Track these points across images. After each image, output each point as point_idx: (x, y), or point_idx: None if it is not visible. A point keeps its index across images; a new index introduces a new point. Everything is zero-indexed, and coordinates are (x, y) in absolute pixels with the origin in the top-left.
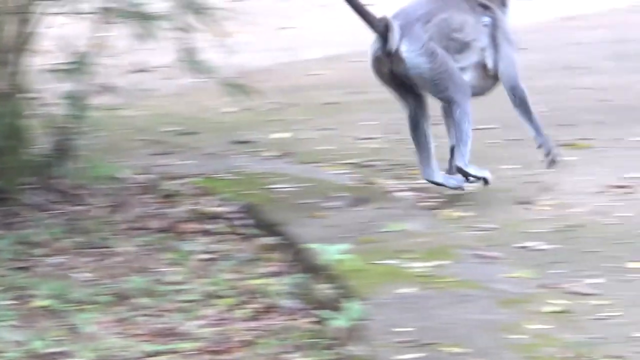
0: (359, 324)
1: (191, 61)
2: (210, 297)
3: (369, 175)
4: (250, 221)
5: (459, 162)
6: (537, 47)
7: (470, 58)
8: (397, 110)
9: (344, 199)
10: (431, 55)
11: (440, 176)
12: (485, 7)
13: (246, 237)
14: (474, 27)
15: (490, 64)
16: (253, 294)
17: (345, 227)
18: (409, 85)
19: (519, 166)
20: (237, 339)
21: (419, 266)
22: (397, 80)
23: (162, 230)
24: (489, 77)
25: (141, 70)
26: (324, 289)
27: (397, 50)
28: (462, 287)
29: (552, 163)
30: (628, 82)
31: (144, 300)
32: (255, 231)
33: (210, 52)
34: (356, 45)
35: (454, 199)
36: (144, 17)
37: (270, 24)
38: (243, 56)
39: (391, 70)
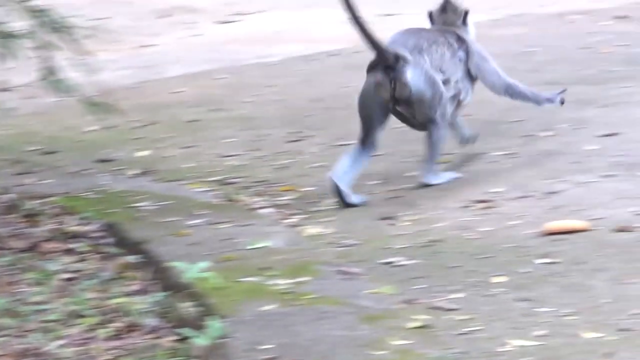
0: (221, 342)
1: (53, 80)
2: (73, 316)
3: (231, 193)
4: (113, 240)
5: (427, 179)
6: None
7: (449, 92)
8: (258, 127)
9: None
10: (432, 82)
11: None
12: (459, 39)
13: (108, 256)
14: (451, 61)
15: (463, 95)
16: (116, 313)
17: (207, 244)
18: (388, 115)
19: (380, 181)
20: (100, 358)
21: (281, 283)
22: (387, 109)
23: (24, 250)
24: (460, 107)
25: (2, 90)
26: (186, 307)
27: (403, 78)
28: (325, 303)
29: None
30: (490, 97)
31: (6, 321)
32: (117, 250)
33: (72, 71)
34: (217, 62)
35: (317, 215)
36: (5, 36)
37: (132, 42)
38: (105, 74)
39: (392, 95)
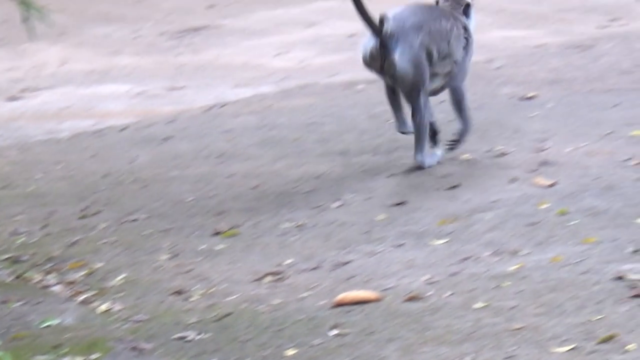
0: None
1: None
2: None
3: (21, 270)
4: None
5: (420, 161)
6: (187, 136)
7: (446, 67)
8: (48, 204)
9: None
10: (417, 65)
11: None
12: (465, 28)
13: None
14: (457, 38)
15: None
16: None
17: None
18: None
19: (169, 256)
20: None
21: None
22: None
23: None
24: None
25: None
26: None
27: (391, 55)
28: None
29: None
30: (278, 168)
31: None
32: None
33: None
34: (4, 140)
35: (108, 291)
36: None
37: None
38: None
39: (382, 65)
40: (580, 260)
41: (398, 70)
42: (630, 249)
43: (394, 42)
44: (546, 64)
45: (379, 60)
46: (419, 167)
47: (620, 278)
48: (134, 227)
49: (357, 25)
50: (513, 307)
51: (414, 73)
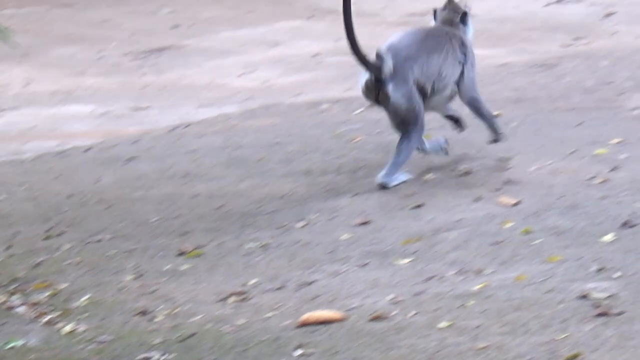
0: None
1: None
2: None
3: None
4: None
5: (385, 179)
6: (152, 156)
7: (444, 92)
8: (12, 225)
9: None
10: (410, 99)
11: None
12: (462, 44)
13: None
14: (452, 65)
15: (458, 90)
16: None
17: None
18: None
19: (133, 276)
20: None
21: None
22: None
23: None
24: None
25: None
26: None
27: (385, 88)
28: None
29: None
30: (242, 189)
31: None
32: None
33: None
34: None
35: (72, 312)
36: None
37: None
38: None
39: (376, 98)
40: (545, 279)
41: (392, 103)
42: (594, 267)
43: (389, 76)
44: (510, 83)
45: (374, 91)
46: (382, 187)
47: (584, 297)
48: (99, 248)
49: (321, 45)
50: (477, 326)
51: (407, 106)
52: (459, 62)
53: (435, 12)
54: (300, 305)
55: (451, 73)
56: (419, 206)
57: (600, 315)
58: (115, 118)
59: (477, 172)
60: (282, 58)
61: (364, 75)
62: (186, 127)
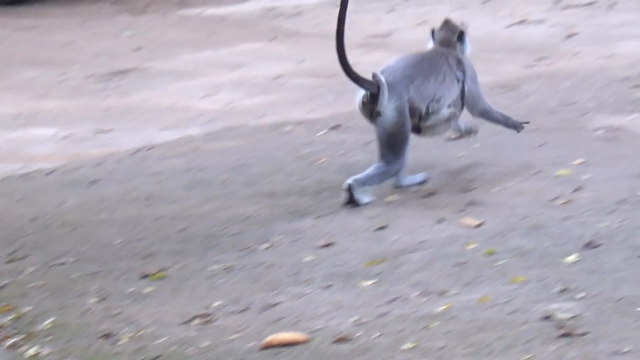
0: None
1: None
2: None
3: None
4: None
5: (354, 183)
6: (115, 179)
7: (440, 114)
8: None
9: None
10: (401, 114)
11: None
12: (459, 62)
13: None
14: (449, 86)
15: (457, 112)
16: None
17: None
18: None
19: (97, 299)
20: None
21: None
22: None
23: None
24: (452, 118)
25: None
26: None
27: (378, 101)
28: None
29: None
30: (205, 211)
31: None
32: None
33: None
34: None
35: (36, 335)
36: None
37: None
38: None
39: (371, 114)
40: (508, 300)
41: (383, 116)
42: (558, 288)
43: (384, 90)
44: None
45: (369, 107)
46: (349, 189)
47: (548, 317)
48: (62, 271)
49: (284, 66)
50: (442, 348)
51: (397, 120)
52: (458, 80)
53: (433, 32)
54: (264, 327)
55: (448, 95)
56: (382, 227)
57: (564, 335)
58: (78, 141)
59: (441, 193)
60: (245, 80)
61: (360, 92)
62: (149, 149)
